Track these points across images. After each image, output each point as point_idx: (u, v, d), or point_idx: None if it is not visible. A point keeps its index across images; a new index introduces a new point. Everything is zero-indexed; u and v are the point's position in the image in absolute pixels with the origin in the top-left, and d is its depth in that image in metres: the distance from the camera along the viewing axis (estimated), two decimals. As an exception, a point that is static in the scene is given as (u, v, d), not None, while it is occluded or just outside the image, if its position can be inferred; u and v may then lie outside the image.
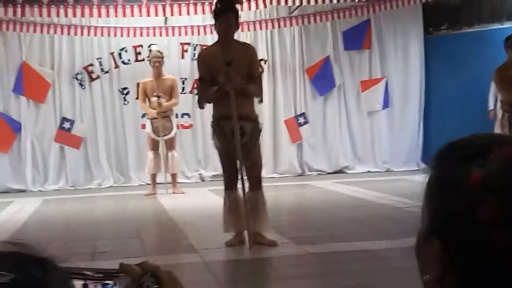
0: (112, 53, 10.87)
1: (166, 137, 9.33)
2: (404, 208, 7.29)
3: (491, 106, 9.00)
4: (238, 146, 5.32)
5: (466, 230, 0.75)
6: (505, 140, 0.80)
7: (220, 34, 5.47)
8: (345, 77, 11.47)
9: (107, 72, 10.87)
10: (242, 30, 10.54)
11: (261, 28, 10.94)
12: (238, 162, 5.41)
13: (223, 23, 5.36)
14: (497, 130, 8.89)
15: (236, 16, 5.41)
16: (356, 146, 11.53)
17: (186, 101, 10.81)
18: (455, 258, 0.76)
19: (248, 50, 5.62)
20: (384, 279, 4.44)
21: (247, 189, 5.47)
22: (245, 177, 5.56)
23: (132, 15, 9.97)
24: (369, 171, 11.33)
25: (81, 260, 5.10)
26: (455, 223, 0.76)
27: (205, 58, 5.60)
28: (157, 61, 9.31)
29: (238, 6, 5.59)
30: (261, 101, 5.74)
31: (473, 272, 0.75)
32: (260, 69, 5.69)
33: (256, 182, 5.52)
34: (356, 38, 11.37)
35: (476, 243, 0.74)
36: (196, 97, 10.44)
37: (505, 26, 10.76)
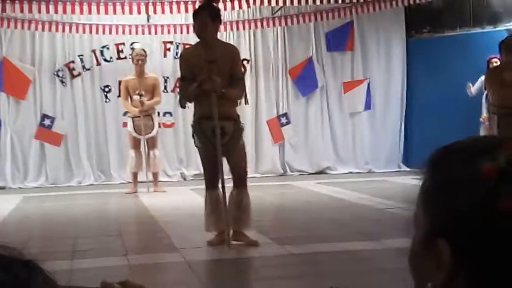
0: (94, 51, 10.80)
1: (147, 136, 9.29)
2: (385, 209, 7.33)
3: (484, 113, 9.11)
4: (219, 145, 5.32)
5: (485, 224, 0.73)
6: (510, 137, 0.79)
7: (196, 33, 5.48)
8: (328, 78, 11.51)
9: (88, 69, 10.80)
10: (225, 30, 10.54)
11: (244, 28, 10.94)
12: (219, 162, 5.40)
13: (198, 22, 5.38)
14: (483, 132, 9.00)
15: (212, 15, 5.37)
16: (338, 147, 11.57)
17: (168, 100, 10.77)
18: (468, 258, 0.75)
19: (231, 50, 5.61)
20: (367, 280, 4.46)
21: (232, 187, 5.48)
22: (228, 177, 5.56)
23: (115, 13, 9.91)
24: (350, 172, 11.38)
25: (60, 258, 5.06)
26: (471, 220, 0.74)
27: (187, 57, 5.60)
28: (140, 59, 9.27)
29: (215, 5, 5.55)
30: (246, 102, 5.73)
31: (490, 269, 0.74)
32: (243, 70, 5.68)
33: (240, 180, 5.51)
34: (339, 40, 11.42)
35: (496, 236, 0.73)
36: (178, 96, 10.49)
37: (486, 30, 10.87)
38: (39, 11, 9.67)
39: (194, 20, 5.49)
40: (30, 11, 9.60)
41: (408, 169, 11.35)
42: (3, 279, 0.79)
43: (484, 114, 9.12)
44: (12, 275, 0.80)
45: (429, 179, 0.82)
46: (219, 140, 5.33)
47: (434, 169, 0.81)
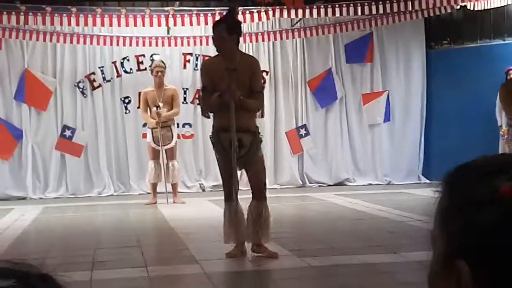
0: (114, 62, 10.90)
1: (166, 147, 9.33)
2: (405, 222, 7.28)
3: (499, 122, 9.04)
4: (234, 157, 5.33)
5: (506, 245, 0.73)
6: None
7: (215, 45, 5.54)
8: (347, 89, 11.49)
9: (109, 81, 10.89)
10: (245, 42, 10.57)
11: (263, 40, 10.96)
12: (233, 173, 5.41)
13: (215, 35, 5.43)
14: (501, 146, 8.92)
15: (230, 28, 5.41)
16: (357, 158, 11.53)
17: (187, 111, 10.83)
18: (489, 278, 0.74)
19: (252, 62, 5.63)
20: (386, 293, 4.42)
21: (251, 199, 5.48)
22: (247, 188, 5.56)
23: (135, 25, 10.00)
24: (370, 184, 11.34)
25: (81, 269, 5.09)
26: (491, 240, 0.74)
27: (207, 67, 5.63)
28: (159, 70, 9.32)
29: (234, 18, 5.59)
30: (262, 115, 5.71)
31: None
32: (263, 82, 5.70)
33: (259, 192, 5.51)
34: (358, 51, 11.40)
35: None
36: (198, 107, 10.55)
37: (506, 41, 10.80)
38: (61, 24, 9.78)
39: (213, 33, 5.53)
40: (52, 23, 9.71)
41: (428, 181, 11.28)
42: (21, 286, 0.81)
43: (504, 127, 9.05)
44: (30, 285, 0.82)
45: (445, 198, 0.81)
46: (235, 152, 5.34)
47: (450, 188, 0.81)
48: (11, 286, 0.80)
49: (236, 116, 5.30)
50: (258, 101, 5.53)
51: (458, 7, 10.46)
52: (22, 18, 9.44)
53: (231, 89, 5.28)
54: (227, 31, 5.37)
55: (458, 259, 0.76)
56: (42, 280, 0.85)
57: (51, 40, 10.32)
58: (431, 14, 10.62)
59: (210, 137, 5.61)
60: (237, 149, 5.36)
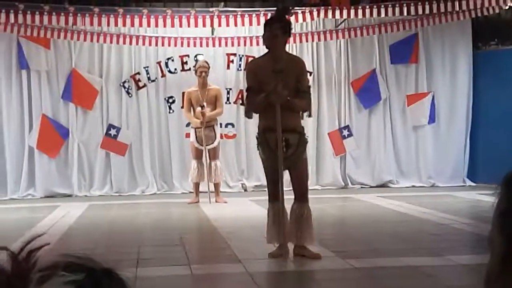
0: (159, 62, 11.02)
1: (209, 147, 9.38)
2: (449, 225, 7.18)
3: None
4: (280, 157, 5.33)
5: None
6: None
7: (266, 44, 5.52)
8: (391, 90, 11.39)
9: (153, 80, 11.01)
10: (288, 42, 10.55)
11: (307, 40, 10.93)
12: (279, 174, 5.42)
13: (269, 32, 5.41)
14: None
15: (284, 27, 5.42)
16: (401, 160, 11.42)
17: (230, 111, 10.88)
18: None
19: (298, 63, 5.63)
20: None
21: (292, 201, 5.48)
22: (289, 189, 5.56)
23: (180, 26, 10.09)
24: (413, 186, 11.21)
25: (126, 266, 5.16)
26: None
27: (254, 68, 5.64)
28: (203, 71, 9.39)
29: (287, 18, 5.59)
30: (310, 115, 5.71)
31: None
32: (308, 86, 5.68)
33: (301, 194, 5.50)
34: (403, 52, 11.29)
35: None
36: (241, 107, 10.60)
37: (556, 42, 10.55)
38: (108, 24, 9.94)
39: (264, 31, 5.51)
40: (99, 24, 9.87)
41: (473, 184, 11.10)
42: (86, 284, 0.85)
43: None
44: (96, 278, 0.86)
45: (504, 201, 0.80)
46: (281, 152, 5.34)
47: (509, 191, 0.80)
48: (80, 280, 0.84)
49: (282, 116, 5.30)
50: (305, 100, 5.52)
51: (507, 7, 10.26)
52: (70, 19, 9.63)
53: (277, 91, 5.27)
54: (281, 31, 5.38)
55: None
56: (107, 274, 0.89)
57: (98, 41, 10.49)
58: (479, 15, 10.44)
59: (257, 138, 5.62)
60: (284, 149, 5.36)
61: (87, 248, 6.11)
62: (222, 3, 10.56)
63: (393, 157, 11.37)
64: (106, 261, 0.96)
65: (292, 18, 9.77)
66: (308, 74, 10.84)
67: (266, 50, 5.60)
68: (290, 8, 6.24)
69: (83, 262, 0.90)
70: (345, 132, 11.31)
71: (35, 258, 0.92)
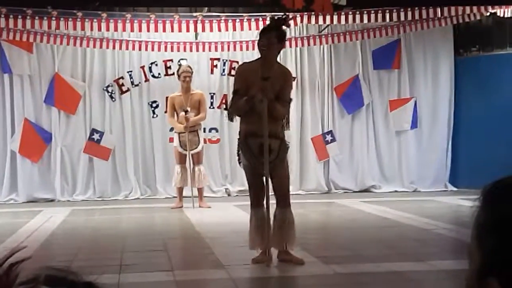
0: (142, 67, 11.00)
1: (192, 151, 9.38)
2: (432, 230, 7.24)
3: None
4: (266, 163, 5.35)
5: None
6: None
7: (260, 50, 5.56)
8: (374, 96, 11.45)
9: (137, 85, 10.99)
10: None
11: (290, 46, 10.95)
12: (265, 179, 5.43)
13: (265, 41, 5.44)
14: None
15: (279, 37, 5.48)
16: (384, 165, 11.48)
17: (214, 116, 10.89)
18: None
19: (285, 73, 5.72)
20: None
21: (274, 207, 5.49)
22: (272, 194, 5.58)
23: (164, 30, 10.08)
24: (396, 191, 11.28)
25: (108, 272, 5.14)
26: None
27: (243, 72, 5.67)
28: (187, 76, 9.40)
29: (283, 27, 5.63)
30: (288, 127, 5.72)
31: None
32: (290, 98, 5.73)
33: (283, 199, 5.53)
34: (386, 58, 11.36)
35: None
36: (225, 112, 10.61)
37: (536, 49, 10.68)
38: (91, 29, 9.90)
39: (260, 38, 5.56)
40: (83, 28, 9.84)
41: (455, 189, 11.20)
42: None
43: None
44: None
45: (483, 214, 0.81)
46: (267, 156, 5.36)
47: (488, 205, 0.81)
48: None
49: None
50: (285, 108, 5.57)
51: (488, 14, 10.37)
52: (53, 23, 9.57)
53: (265, 92, 5.32)
54: (277, 39, 5.43)
55: (490, 278, 0.76)
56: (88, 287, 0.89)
57: (81, 45, 10.45)
58: (460, 21, 10.55)
59: (238, 144, 5.63)
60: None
61: (70, 254, 6.08)
62: (206, 8, 10.56)
63: (376, 162, 11.43)
64: (88, 271, 0.96)
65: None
66: (293, 84, 10.94)
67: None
68: (290, 17, 6.28)
69: (64, 275, 0.90)
70: (328, 137, 11.35)
71: (16, 271, 0.91)
